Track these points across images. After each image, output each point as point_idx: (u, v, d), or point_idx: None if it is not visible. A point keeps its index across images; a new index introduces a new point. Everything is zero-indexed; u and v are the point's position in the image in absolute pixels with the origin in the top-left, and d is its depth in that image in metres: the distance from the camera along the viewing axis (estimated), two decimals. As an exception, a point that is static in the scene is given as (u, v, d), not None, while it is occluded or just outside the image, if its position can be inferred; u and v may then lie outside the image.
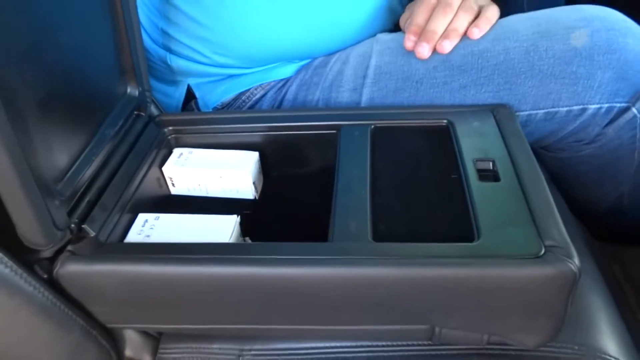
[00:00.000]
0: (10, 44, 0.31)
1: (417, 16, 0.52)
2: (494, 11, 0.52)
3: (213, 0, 0.55)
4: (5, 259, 0.33)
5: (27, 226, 0.32)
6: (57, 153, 0.37)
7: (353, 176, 0.42)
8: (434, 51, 0.51)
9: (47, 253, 0.36)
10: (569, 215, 0.57)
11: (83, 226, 0.37)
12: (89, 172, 0.40)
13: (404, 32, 0.55)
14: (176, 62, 0.61)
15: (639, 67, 0.47)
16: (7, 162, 0.29)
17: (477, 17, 0.52)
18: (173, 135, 0.51)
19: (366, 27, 0.60)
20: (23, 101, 0.32)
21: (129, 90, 0.48)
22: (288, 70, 0.61)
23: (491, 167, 0.42)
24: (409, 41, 0.52)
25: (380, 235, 0.37)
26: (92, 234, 0.38)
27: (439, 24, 0.51)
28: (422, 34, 0.51)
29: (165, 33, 0.60)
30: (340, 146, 0.46)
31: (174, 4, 0.56)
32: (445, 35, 0.50)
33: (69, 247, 0.37)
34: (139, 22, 0.47)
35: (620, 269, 0.60)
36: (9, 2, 0.30)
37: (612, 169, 0.59)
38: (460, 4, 0.52)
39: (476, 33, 0.50)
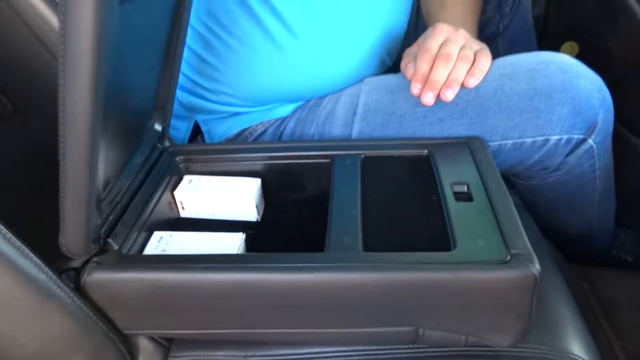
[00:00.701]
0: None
1: (421, 65, 0.58)
2: (487, 61, 0.58)
3: (223, 45, 0.63)
4: (44, 266, 0.38)
5: (75, 237, 0.37)
6: (104, 176, 0.42)
7: (346, 198, 0.48)
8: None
9: (76, 263, 0.41)
10: (541, 238, 0.64)
11: (108, 240, 0.43)
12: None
13: (404, 76, 0.61)
14: (187, 99, 0.68)
15: (590, 104, 0.55)
16: (86, 179, 0.34)
17: (473, 63, 0.58)
18: (184, 164, 0.57)
19: (357, 76, 0.67)
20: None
21: (156, 125, 0.54)
22: (286, 109, 0.67)
23: (466, 190, 0.48)
24: (416, 88, 0.57)
25: (369, 246, 0.42)
26: (116, 247, 0.43)
27: (441, 74, 0.56)
28: (427, 83, 0.56)
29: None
30: (335, 173, 0.52)
31: (188, 45, 0.63)
32: (447, 84, 0.56)
33: (95, 259, 0.42)
34: (180, 65, 0.54)
35: (588, 286, 0.65)
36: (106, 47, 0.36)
37: (579, 195, 0.65)
38: (459, 53, 0.58)
39: (472, 83, 0.56)
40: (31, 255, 0.38)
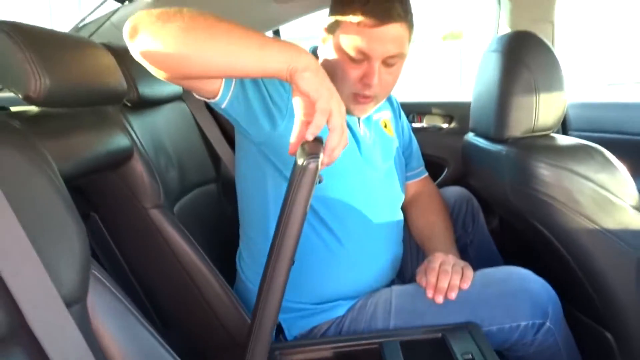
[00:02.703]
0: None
1: (431, 279, 0.91)
2: (471, 272, 0.91)
3: (301, 256, 0.96)
4: None
5: None
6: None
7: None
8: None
9: None
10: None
11: None
12: None
13: (419, 285, 0.93)
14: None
15: (542, 299, 0.86)
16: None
17: (463, 274, 0.90)
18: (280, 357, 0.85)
19: (385, 275, 1.02)
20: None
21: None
22: (342, 309, 0.98)
23: (471, 357, 0.77)
24: (430, 293, 0.89)
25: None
26: None
27: (444, 283, 0.89)
28: (436, 290, 0.89)
29: None
30: (384, 354, 0.81)
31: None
32: (450, 288, 0.89)
33: None
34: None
35: None
36: None
37: (553, 362, 0.92)
38: (452, 269, 0.91)
39: (464, 287, 0.89)
40: None
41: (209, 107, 1.47)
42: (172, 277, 0.97)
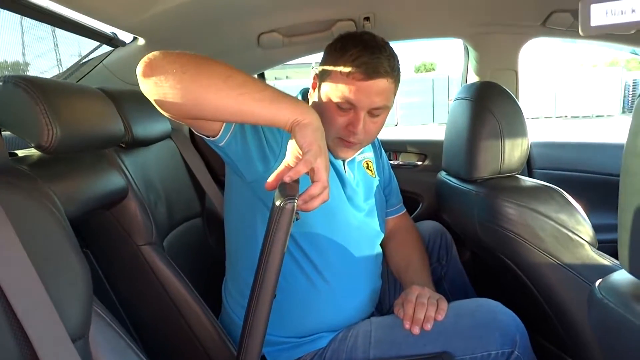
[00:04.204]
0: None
1: (408, 310, 0.97)
2: (445, 304, 0.98)
3: (284, 292, 1.00)
4: None
5: None
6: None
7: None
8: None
9: None
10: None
11: None
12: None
13: (396, 316, 0.99)
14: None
15: (511, 329, 0.93)
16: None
17: (438, 306, 0.97)
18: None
19: (365, 309, 1.07)
20: None
21: None
22: (323, 341, 1.03)
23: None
24: (407, 324, 0.95)
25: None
26: None
27: (421, 314, 0.96)
28: (413, 321, 0.95)
29: None
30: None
31: None
32: (425, 320, 0.95)
33: None
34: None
35: None
36: None
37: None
38: (428, 301, 0.97)
39: (439, 318, 0.95)
40: None
41: (195, 144, 1.53)
42: (160, 310, 1.01)
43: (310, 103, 1.04)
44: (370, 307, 1.11)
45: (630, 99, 16.90)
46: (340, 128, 0.98)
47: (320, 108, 0.99)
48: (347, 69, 0.94)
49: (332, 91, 0.97)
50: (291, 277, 1.02)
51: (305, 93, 1.10)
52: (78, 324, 0.60)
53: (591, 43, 1.65)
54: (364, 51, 0.94)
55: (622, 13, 0.34)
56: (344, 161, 1.09)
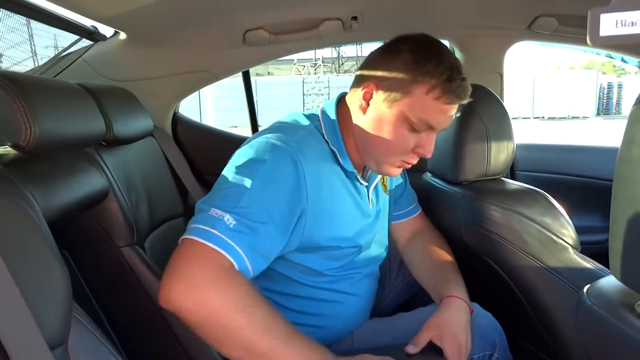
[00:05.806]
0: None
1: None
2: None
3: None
4: None
5: None
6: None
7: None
8: None
9: None
10: None
11: None
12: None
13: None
14: None
15: (490, 332, 0.94)
16: None
17: None
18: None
19: (363, 314, 1.06)
20: None
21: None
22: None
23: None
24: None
25: None
26: None
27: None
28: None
29: None
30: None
31: None
32: None
33: None
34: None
35: None
36: None
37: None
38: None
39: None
40: None
41: (177, 142, 1.50)
42: (142, 313, 0.98)
43: (354, 114, 0.93)
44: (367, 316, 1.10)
45: (605, 101, 17.35)
46: (408, 150, 0.89)
47: (384, 130, 0.88)
48: (436, 92, 0.83)
49: (410, 110, 0.85)
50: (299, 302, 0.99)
51: (340, 99, 0.99)
52: (56, 331, 0.58)
53: (568, 46, 1.67)
54: (455, 72, 0.84)
55: (632, 24, 0.33)
56: (368, 187, 1.02)
